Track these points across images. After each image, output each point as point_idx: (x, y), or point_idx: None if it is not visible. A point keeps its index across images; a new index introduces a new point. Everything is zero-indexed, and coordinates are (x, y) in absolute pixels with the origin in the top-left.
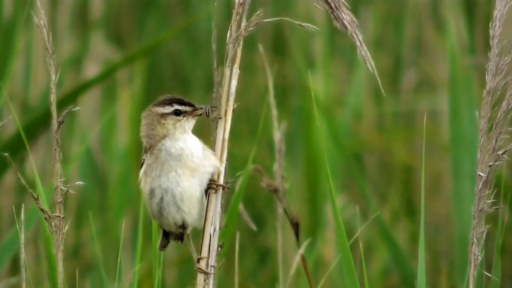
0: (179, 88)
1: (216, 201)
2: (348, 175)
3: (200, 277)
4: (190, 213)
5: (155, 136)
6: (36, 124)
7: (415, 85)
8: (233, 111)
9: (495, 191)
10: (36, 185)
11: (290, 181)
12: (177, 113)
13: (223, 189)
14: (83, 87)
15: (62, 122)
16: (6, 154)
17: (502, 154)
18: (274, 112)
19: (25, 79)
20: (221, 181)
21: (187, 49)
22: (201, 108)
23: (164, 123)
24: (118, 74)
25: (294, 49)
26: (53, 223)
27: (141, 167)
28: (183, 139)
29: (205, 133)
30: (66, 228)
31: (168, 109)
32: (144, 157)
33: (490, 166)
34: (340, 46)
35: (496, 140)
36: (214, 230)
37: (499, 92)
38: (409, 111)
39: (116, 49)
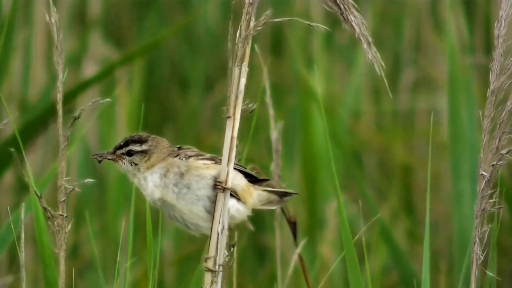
0: (177, 88)
1: (224, 199)
2: (347, 174)
3: (208, 276)
4: (200, 224)
5: None
6: (35, 123)
7: (414, 84)
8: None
9: (496, 190)
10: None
11: (287, 180)
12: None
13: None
14: (82, 86)
15: (78, 117)
16: (12, 150)
17: (505, 154)
18: (271, 111)
19: (23, 77)
20: (229, 181)
21: (185, 48)
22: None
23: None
24: (116, 73)
25: (292, 48)
26: (55, 222)
27: None
28: (136, 181)
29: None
30: (69, 227)
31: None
32: None
33: (493, 165)
34: (338, 45)
35: (499, 140)
36: (222, 229)
37: (503, 92)
38: (408, 110)
39: (115, 48)
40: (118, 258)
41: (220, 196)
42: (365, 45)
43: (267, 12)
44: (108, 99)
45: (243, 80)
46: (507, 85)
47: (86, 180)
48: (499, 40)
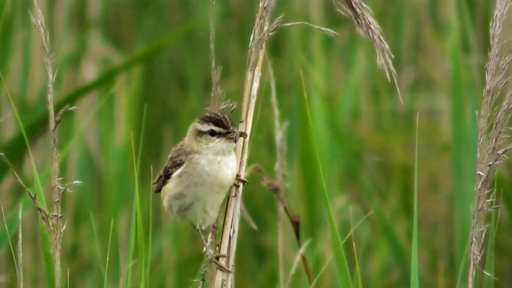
0: (177, 87)
1: (236, 203)
2: (348, 174)
3: (219, 275)
4: (213, 217)
5: (192, 148)
6: (35, 124)
7: (413, 84)
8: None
9: (494, 190)
10: (36, 185)
11: (288, 180)
12: (212, 133)
13: (243, 184)
14: (82, 91)
15: (60, 121)
16: (1, 154)
17: (502, 154)
18: (276, 111)
19: (23, 78)
20: (242, 178)
21: (185, 49)
22: (234, 132)
23: (199, 141)
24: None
25: (292, 47)
26: (50, 223)
27: (177, 167)
28: (218, 161)
29: None
30: (64, 227)
31: (205, 127)
32: (183, 159)
33: (490, 165)
34: (337, 45)
35: (496, 140)
36: (233, 232)
37: (499, 92)
38: (407, 110)
39: (114, 48)
40: (107, 258)
41: (232, 200)
42: (379, 52)
43: (279, 17)
44: (75, 107)
45: (255, 85)
46: (502, 84)
47: (74, 182)
48: (494, 40)
